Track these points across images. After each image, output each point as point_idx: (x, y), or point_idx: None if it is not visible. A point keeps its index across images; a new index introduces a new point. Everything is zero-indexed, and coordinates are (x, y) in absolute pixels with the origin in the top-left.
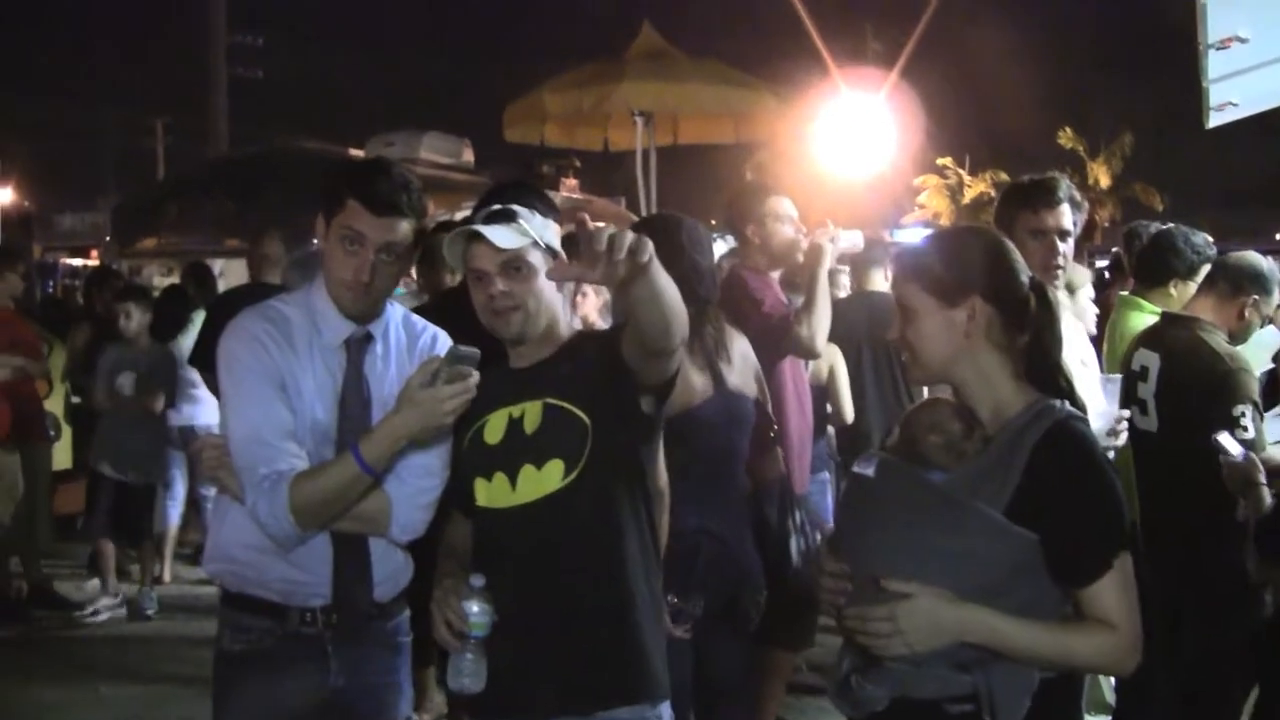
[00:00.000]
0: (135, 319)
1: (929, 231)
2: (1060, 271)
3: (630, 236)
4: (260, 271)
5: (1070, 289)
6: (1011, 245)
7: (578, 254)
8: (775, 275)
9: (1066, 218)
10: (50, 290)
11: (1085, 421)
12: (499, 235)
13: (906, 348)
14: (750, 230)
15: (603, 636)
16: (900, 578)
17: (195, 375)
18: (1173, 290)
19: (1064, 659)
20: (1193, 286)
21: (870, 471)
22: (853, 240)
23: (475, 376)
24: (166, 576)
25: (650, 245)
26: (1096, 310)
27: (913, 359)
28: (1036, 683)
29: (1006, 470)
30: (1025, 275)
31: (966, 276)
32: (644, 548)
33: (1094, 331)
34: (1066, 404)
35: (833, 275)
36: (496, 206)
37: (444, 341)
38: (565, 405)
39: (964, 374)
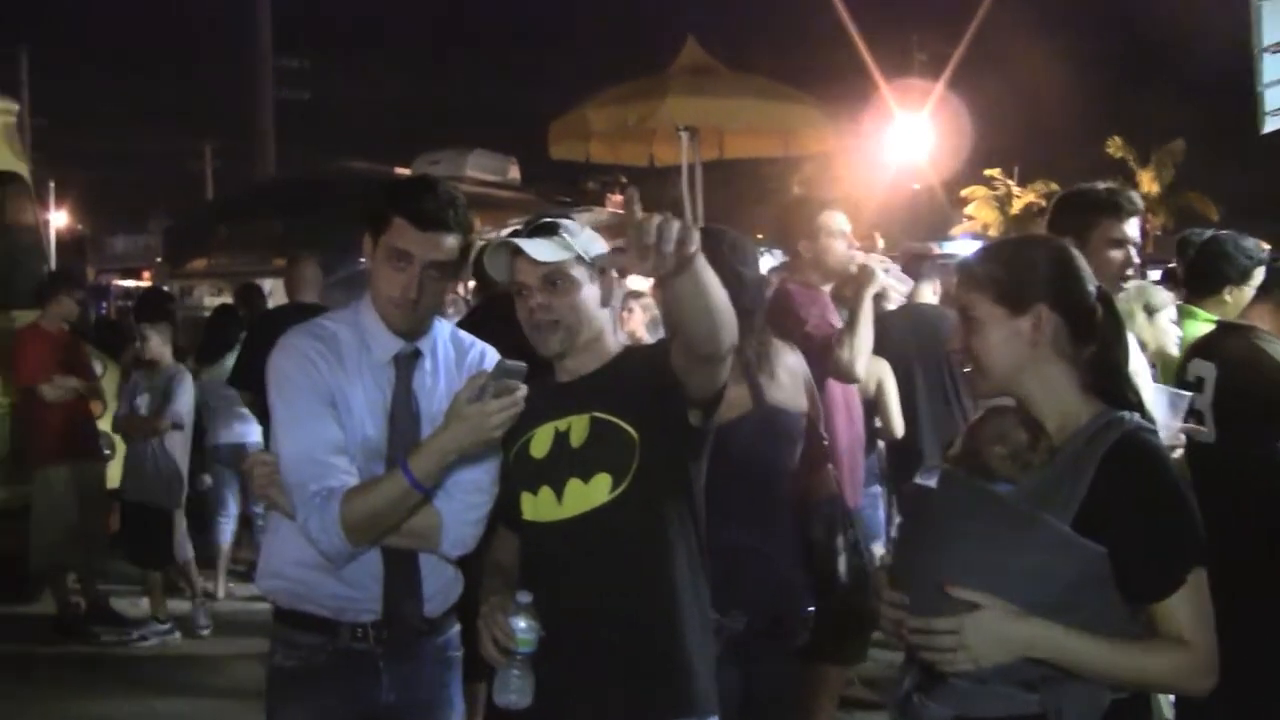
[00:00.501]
0: (153, 341)
1: (981, 242)
2: (1129, 280)
3: (677, 224)
4: (297, 292)
5: (1150, 310)
6: (1078, 254)
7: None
8: (826, 289)
9: (1137, 228)
10: (103, 312)
11: (1155, 433)
12: (537, 248)
13: (970, 359)
14: (803, 245)
15: (650, 652)
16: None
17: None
18: (1227, 297)
19: (1136, 677)
20: (1248, 291)
21: (933, 483)
22: (903, 284)
23: (523, 390)
24: (221, 593)
25: (697, 235)
26: (1179, 332)
27: (977, 370)
28: (1108, 703)
29: (1074, 482)
30: (1092, 284)
31: (1033, 285)
32: (692, 562)
33: (1175, 353)
34: (1136, 416)
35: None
36: (541, 220)
37: (492, 356)
38: (613, 419)
39: (1030, 385)
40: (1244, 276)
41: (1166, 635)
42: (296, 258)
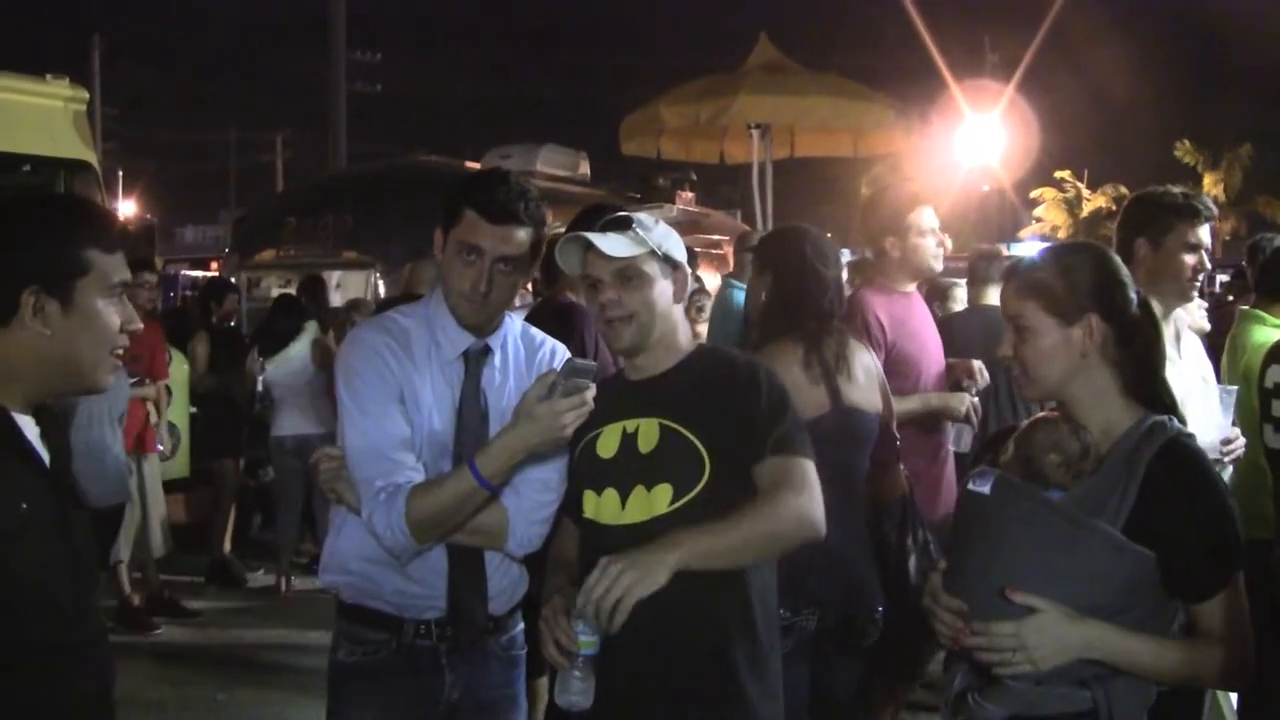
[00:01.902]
0: None
1: (1040, 246)
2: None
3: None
4: (415, 288)
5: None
6: (1119, 260)
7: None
8: (912, 288)
9: (1210, 233)
10: (172, 300)
11: (1193, 437)
12: (610, 243)
13: (1020, 365)
14: (889, 243)
15: (705, 667)
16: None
17: (307, 385)
18: None
19: (1186, 674)
20: None
21: (986, 489)
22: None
23: (592, 390)
24: (283, 587)
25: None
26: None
27: (1025, 376)
28: (1154, 697)
29: (1123, 489)
30: (1134, 290)
31: (1085, 295)
32: (757, 574)
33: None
34: (1174, 420)
35: (949, 290)
36: (614, 215)
37: (562, 354)
38: (683, 431)
39: (1078, 392)
40: None
41: (1206, 634)
42: (419, 257)
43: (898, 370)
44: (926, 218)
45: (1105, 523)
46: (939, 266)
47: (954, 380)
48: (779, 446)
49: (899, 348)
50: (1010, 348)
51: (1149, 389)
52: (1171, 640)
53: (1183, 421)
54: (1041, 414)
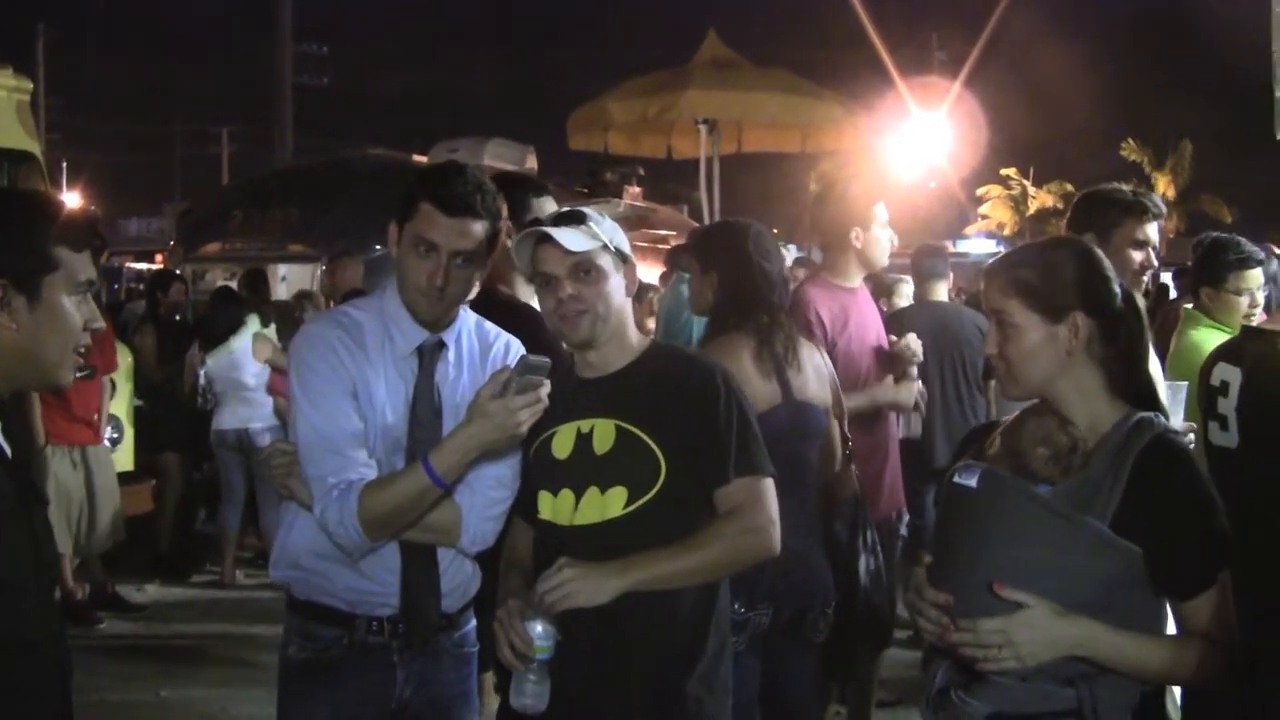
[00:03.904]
0: None
1: (995, 241)
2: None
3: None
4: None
5: None
6: (1102, 255)
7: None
8: (858, 282)
9: (1158, 231)
10: (115, 293)
11: (1179, 434)
12: (569, 237)
13: (1004, 363)
14: (855, 235)
15: (654, 667)
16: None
17: (251, 378)
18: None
19: (1174, 673)
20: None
21: (973, 483)
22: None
23: (547, 386)
24: (229, 579)
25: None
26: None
27: (1009, 375)
28: (1138, 697)
29: (1111, 485)
30: (1118, 285)
31: (1068, 291)
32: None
33: None
34: (1159, 417)
35: (895, 285)
36: (565, 210)
37: (516, 349)
38: (638, 433)
39: (1064, 389)
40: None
41: (1194, 632)
42: (345, 255)
43: (842, 366)
44: (885, 213)
45: (1093, 518)
46: (885, 263)
47: (901, 369)
48: (741, 466)
49: (840, 346)
50: (995, 345)
51: (1134, 385)
52: (1159, 638)
53: (1167, 417)
54: (1028, 407)
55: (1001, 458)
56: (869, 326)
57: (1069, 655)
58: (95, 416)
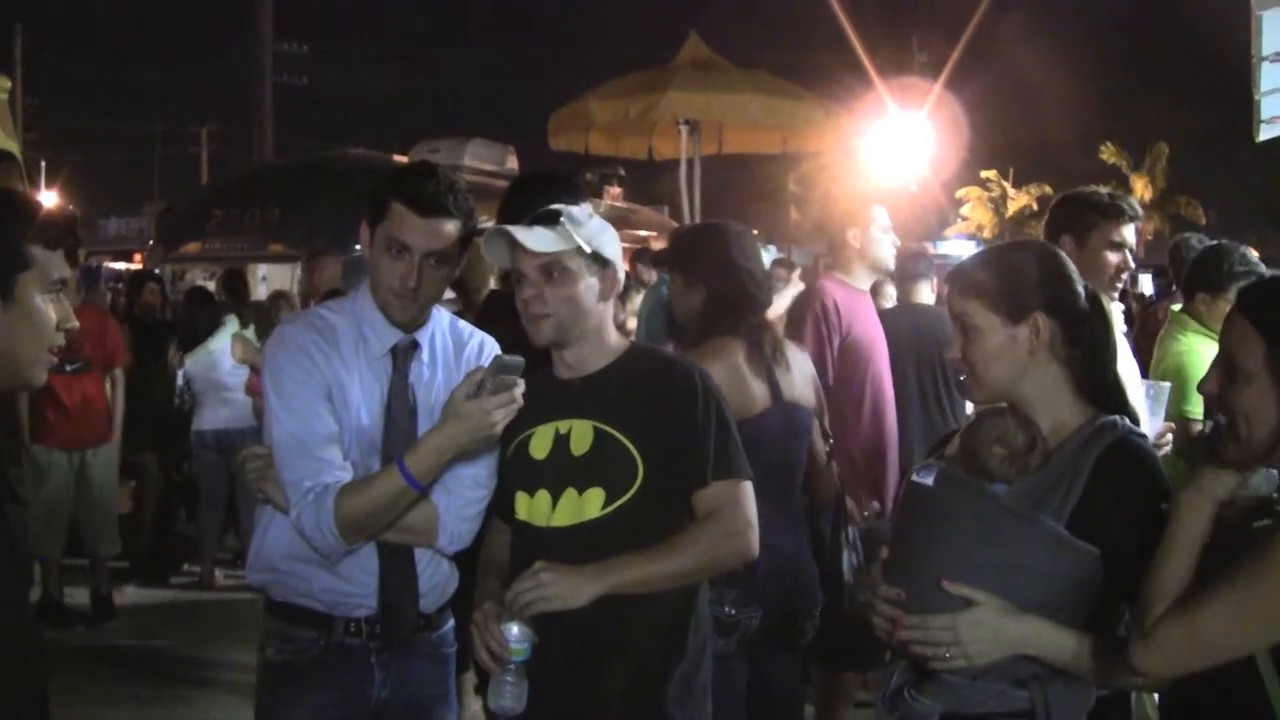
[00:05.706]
0: None
1: (977, 247)
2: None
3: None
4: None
5: None
6: (1065, 256)
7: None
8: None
9: (1135, 233)
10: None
11: (1144, 437)
12: (534, 238)
13: (968, 366)
14: (852, 235)
15: (633, 670)
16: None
17: (230, 379)
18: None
19: (1127, 676)
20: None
21: (930, 481)
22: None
23: (521, 387)
24: (208, 581)
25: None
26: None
27: (973, 378)
28: (1094, 701)
29: (1069, 485)
30: (1083, 286)
31: (1029, 292)
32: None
33: None
34: (1125, 419)
35: (878, 286)
36: (545, 209)
37: (490, 348)
38: (616, 435)
39: (1027, 391)
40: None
41: None
42: (322, 255)
43: (850, 358)
44: (885, 216)
45: (1048, 517)
46: (892, 265)
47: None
48: (720, 470)
49: (853, 335)
50: (958, 349)
51: (1099, 387)
52: (1112, 640)
53: (1135, 420)
54: (988, 408)
55: (959, 457)
56: (873, 328)
57: (1019, 655)
58: (100, 415)
